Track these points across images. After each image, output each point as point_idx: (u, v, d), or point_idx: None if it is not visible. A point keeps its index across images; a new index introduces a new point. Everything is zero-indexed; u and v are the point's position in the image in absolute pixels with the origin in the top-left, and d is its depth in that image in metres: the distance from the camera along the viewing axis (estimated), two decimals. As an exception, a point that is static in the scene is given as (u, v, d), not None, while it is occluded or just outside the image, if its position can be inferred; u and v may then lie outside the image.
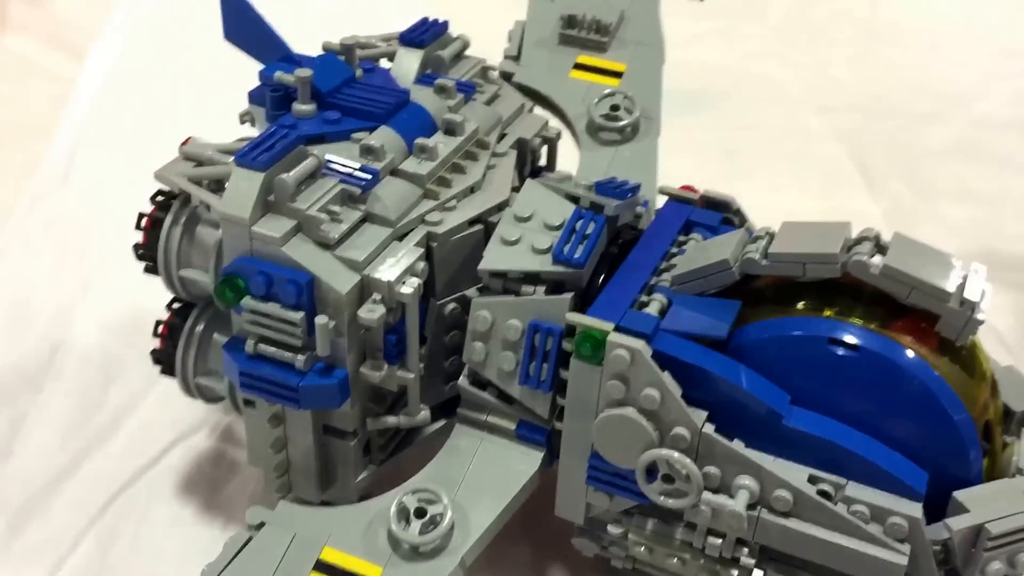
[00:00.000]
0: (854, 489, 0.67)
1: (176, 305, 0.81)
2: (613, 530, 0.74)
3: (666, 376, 0.67)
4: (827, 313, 0.70)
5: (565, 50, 0.94)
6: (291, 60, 0.79)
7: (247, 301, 0.69)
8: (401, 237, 0.73)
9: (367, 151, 0.74)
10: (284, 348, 0.70)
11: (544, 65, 0.93)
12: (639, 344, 0.67)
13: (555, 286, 0.73)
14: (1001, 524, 0.65)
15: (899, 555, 0.65)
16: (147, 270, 0.78)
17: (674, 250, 0.77)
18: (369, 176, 0.72)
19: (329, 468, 0.77)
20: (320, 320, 0.68)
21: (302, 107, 0.76)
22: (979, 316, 0.67)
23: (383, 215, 0.72)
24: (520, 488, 0.73)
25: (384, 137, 0.75)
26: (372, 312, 0.69)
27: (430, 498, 0.71)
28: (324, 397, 0.71)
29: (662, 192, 0.82)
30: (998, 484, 0.68)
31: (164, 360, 0.81)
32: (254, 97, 0.80)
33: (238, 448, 0.94)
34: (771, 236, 0.72)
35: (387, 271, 0.70)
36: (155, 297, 1.05)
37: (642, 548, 0.73)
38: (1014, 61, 1.66)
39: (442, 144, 0.76)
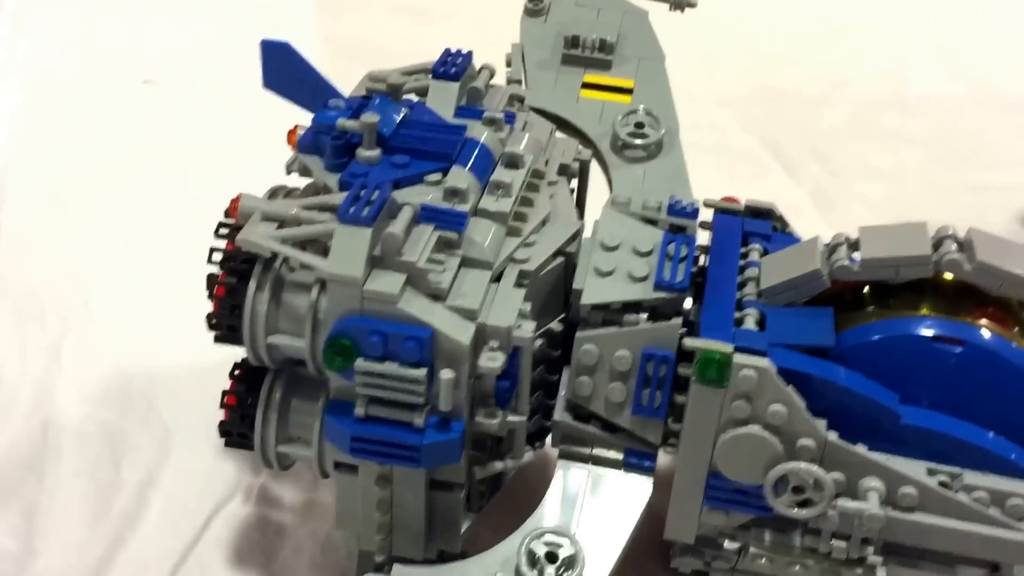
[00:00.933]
0: (971, 476, 0.70)
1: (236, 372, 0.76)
2: (730, 546, 0.75)
3: (791, 390, 0.68)
4: (923, 311, 0.72)
5: (570, 70, 0.94)
6: (341, 104, 0.76)
7: (360, 363, 0.66)
8: (496, 278, 0.71)
9: (452, 194, 0.71)
10: (399, 407, 0.67)
11: (552, 87, 0.92)
12: (764, 363, 0.68)
13: (656, 312, 0.73)
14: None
15: (1022, 534, 0.69)
16: (220, 340, 0.73)
17: (742, 263, 0.78)
18: (463, 219, 0.70)
19: (432, 523, 0.74)
20: (446, 375, 0.66)
21: (368, 153, 0.73)
22: None
23: (481, 258, 0.70)
24: (639, 517, 0.73)
25: (462, 178, 0.73)
26: (494, 360, 0.67)
27: (556, 541, 0.70)
28: (445, 453, 0.68)
29: (707, 205, 0.83)
30: None
31: (233, 432, 0.76)
32: (305, 146, 0.76)
33: (280, 511, 0.91)
34: (851, 242, 0.74)
35: (502, 316, 0.68)
36: (133, 359, 1.01)
37: (763, 559, 0.74)
38: (880, 39, 1.76)
39: (510, 179, 0.75)
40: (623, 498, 0.74)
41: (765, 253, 0.79)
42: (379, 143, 0.73)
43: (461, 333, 0.66)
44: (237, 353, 1.00)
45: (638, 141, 0.88)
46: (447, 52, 0.85)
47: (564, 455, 0.75)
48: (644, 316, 0.72)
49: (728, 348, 0.68)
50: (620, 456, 0.75)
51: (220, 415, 0.76)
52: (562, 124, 0.90)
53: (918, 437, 0.71)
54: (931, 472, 0.70)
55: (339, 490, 0.74)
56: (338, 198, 0.70)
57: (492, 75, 0.86)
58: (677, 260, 0.73)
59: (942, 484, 0.70)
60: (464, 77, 0.83)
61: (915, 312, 0.72)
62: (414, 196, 0.71)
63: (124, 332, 1.06)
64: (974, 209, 1.43)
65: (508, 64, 0.95)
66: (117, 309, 1.08)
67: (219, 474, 0.92)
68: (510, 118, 0.81)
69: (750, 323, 0.72)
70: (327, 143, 0.74)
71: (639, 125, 0.88)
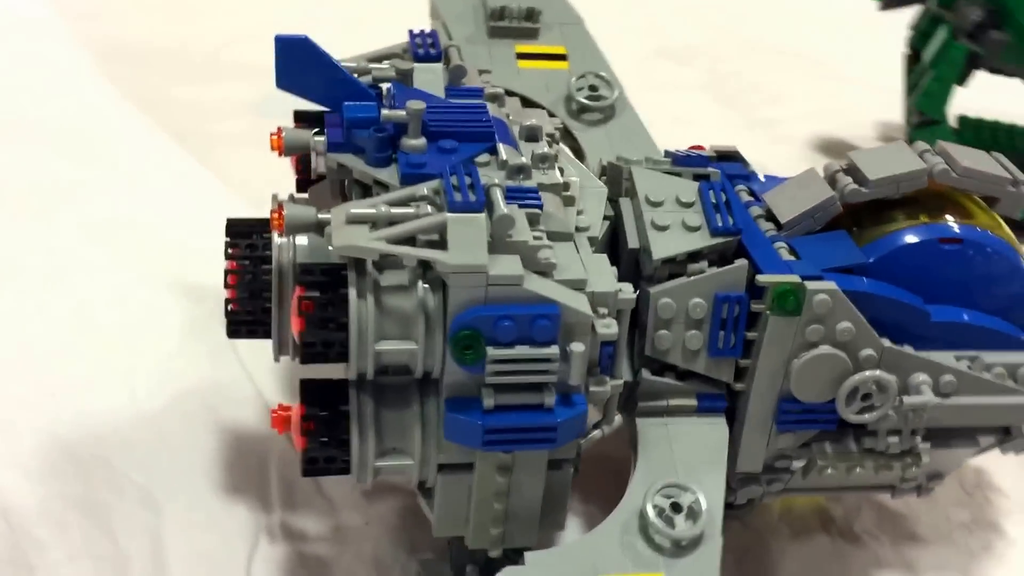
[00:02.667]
0: (987, 356, 0.79)
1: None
2: (797, 463, 0.80)
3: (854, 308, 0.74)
4: (923, 219, 0.80)
5: (500, 42, 0.94)
6: (364, 96, 0.72)
7: (492, 352, 0.64)
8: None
9: (518, 171, 0.70)
10: (527, 391, 0.66)
11: (488, 62, 0.92)
12: (832, 285, 0.73)
13: (715, 257, 0.76)
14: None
15: None
16: (309, 360, 0.68)
17: (748, 200, 0.82)
18: (538, 195, 0.69)
19: (545, 504, 0.73)
20: (578, 348, 0.65)
21: (414, 142, 0.70)
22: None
23: (562, 230, 0.70)
24: (724, 452, 0.76)
25: (514, 155, 0.72)
26: (608, 327, 0.68)
27: (673, 492, 0.71)
28: (575, 428, 0.68)
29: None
30: None
31: (320, 458, 0.71)
32: (337, 145, 0.71)
33: (312, 543, 0.86)
34: (847, 169, 0.80)
35: (603, 283, 0.68)
36: (62, 422, 0.92)
37: (828, 470, 0.79)
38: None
39: (543, 151, 0.75)
40: (708, 440, 0.77)
41: (751, 192, 0.84)
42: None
43: (583, 305, 0.66)
44: (176, 393, 0.94)
45: (596, 104, 0.90)
46: (413, 33, 0.83)
47: (641, 413, 0.77)
48: (705, 263, 0.75)
49: (796, 279, 0.73)
50: (694, 403, 0.77)
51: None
52: (510, 96, 0.90)
53: (942, 331, 0.79)
54: (958, 359, 0.79)
55: (442, 494, 0.72)
56: (411, 191, 0.67)
57: (459, 54, 0.85)
58: (723, 206, 0.77)
59: (973, 366, 0.79)
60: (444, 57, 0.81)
61: (916, 222, 0.80)
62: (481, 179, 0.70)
63: (39, 392, 0.94)
64: (769, 141, 1.57)
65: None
66: (22, 367, 0.97)
67: (231, 520, 0.85)
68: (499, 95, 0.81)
69: (785, 255, 0.77)
70: (368, 137, 0.70)
71: (593, 88, 0.90)
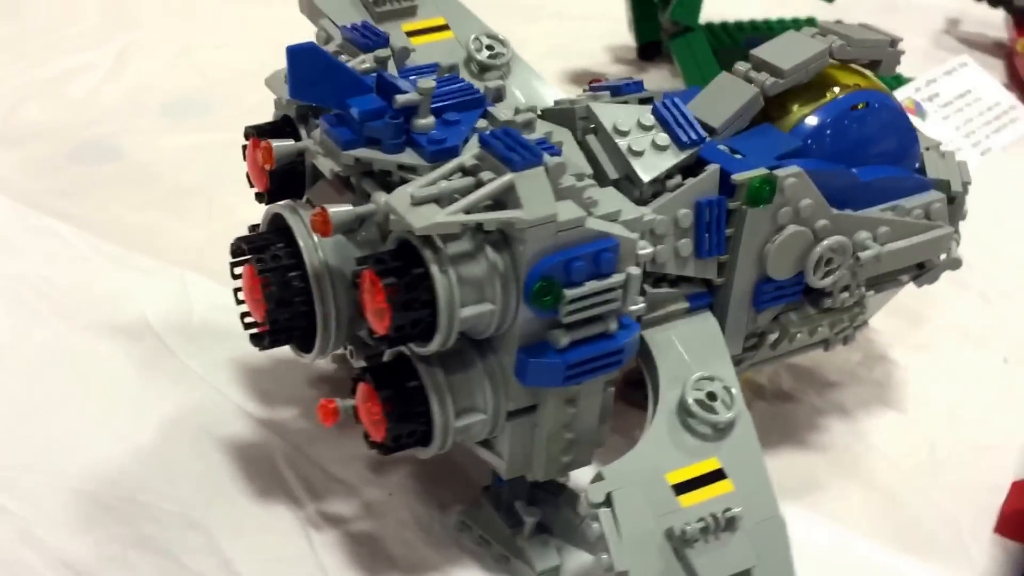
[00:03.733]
0: (904, 202, 0.92)
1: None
2: (770, 335, 0.90)
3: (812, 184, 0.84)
4: (828, 96, 0.91)
5: (388, 25, 0.95)
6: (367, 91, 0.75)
7: (570, 292, 0.70)
8: None
9: (527, 126, 0.76)
10: (592, 323, 0.72)
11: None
12: (797, 170, 0.83)
13: (687, 169, 0.84)
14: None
15: (947, 227, 0.93)
16: (398, 343, 0.70)
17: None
18: (552, 144, 0.75)
19: (598, 422, 0.80)
20: (634, 271, 0.72)
21: (424, 121, 0.74)
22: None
23: (580, 171, 0.76)
24: (723, 339, 0.85)
25: (513, 112, 0.77)
26: (645, 248, 0.75)
27: (704, 384, 0.80)
28: (633, 347, 0.76)
29: (592, 89, 0.94)
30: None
31: (403, 434, 0.74)
32: (350, 142, 0.73)
33: (355, 522, 0.90)
34: (757, 64, 0.90)
35: (628, 210, 0.75)
36: (90, 477, 0.94)
37: (797, 333, 0.90)
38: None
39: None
40: (705, 334, 0.85)
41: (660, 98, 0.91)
42: (427, 108, 0.74)
43: (628, 232, 0.73)
44: (162, 424, 0.95)
45: (496, 61, 0.95)
46: (348, 28, 0.86)
47: (647, 324, 0.84)
48: (680, 176, 0.83)
49: (766, 171, 0.82)
50: (686, 305, 0.86)
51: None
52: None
53: (868, 190, 0.90)
54: (884, 210, 0.91)
55: (511, 439, 0.77)
56: (457, 163, 0.71)
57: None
58: (681, 120, 0.84)
59: (896, 215, 0.91)
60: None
61: (824, 100, 0.91)
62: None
63: (34, 455, 0.94)
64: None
65: (323, 42, 0.95)
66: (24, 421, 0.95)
67: (277, 521, 0.88)
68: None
69: (730, 154, 0.86)
70: (384, 126, 0.73)
71: (490, 48, 0.95)
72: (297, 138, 0.85)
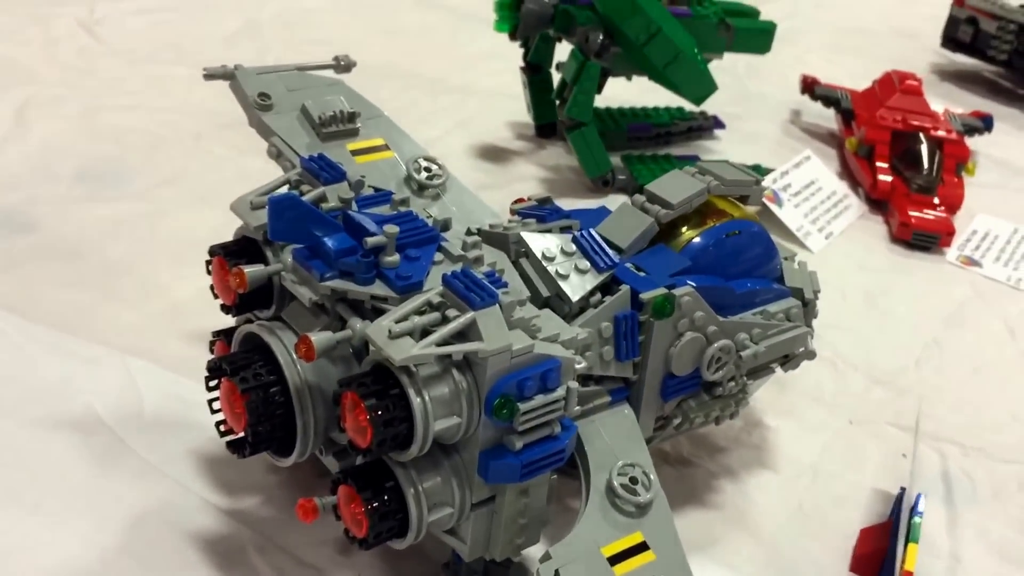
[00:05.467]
0: (770, 307, 1.09)
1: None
2: (675, 420, 1.05)
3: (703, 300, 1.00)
4: (709, 223, 1.08)
5: (333, 144, 1.08)
6: (338, 230, 0.86)
7: (523, 406, 0.83)
8: None
9: (476, 260, 0.89)
10: (540, 428, 0.86)
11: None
12: (688, 288, 0.99)
13: (604, 287, 0.98)
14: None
15: (805, 328, 1.11)
16: (380, 453, 0.82)
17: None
18: (500, 278, 0.88)
19: (545, 506, 0.94)
20: (573, 384, 0.86)
21: (391, 258, 0.86)
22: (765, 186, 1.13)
23: (520, 298, 0.89)
24: (639, 430, 1.00)
25: (461, 247, 0.90)
26: (580, 362, 0.89)
27: (627, 470, 0.94)
28: (573, 444, 0.89)
29: (513, 211, 1.08)
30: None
31: (383, 531, 0.85)
32: (329, 276, 0.85)
33: None
34: (652, 197, 1.05)
35: (565, 332, 0.89)
36: None
37: (695, 417, 1.06)
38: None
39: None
40: (624, 424, 1.00)
41: (578, 227, 1.07)
42: (390, 247, 0.87)
43: (567, 352, 0.86)
44: (133, 523, 1.02)
45: (433, 182, 1.08)
46: (307, 160, 0.97)
47: (576, 416, 0.98)
48: (599, 295, 0.98)
49: (664, 290, 0.98)
50: (608, 399, 1.00)
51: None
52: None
53: (741, 298, 1.07)
54: (756, 314, 1.08)
55: (474, 526, 0.90)
56: (424, 299, 0.84)
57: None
58: (595, 248, 0.99)
59: (764, 319, 1.08)
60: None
61: (704, 227, 1.07)
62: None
63: (12, 552, 0.98)
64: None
65: (275, 156, 1.06)
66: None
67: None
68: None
69: (635, 271, 1.01)
70: (357, 263, 0.85)
71: (428, 169, 1.08)
72: (263, 260, 0.95)
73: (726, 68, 1.88)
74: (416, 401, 0.81)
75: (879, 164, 1.83)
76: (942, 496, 1.22)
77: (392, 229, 0.86)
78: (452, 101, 1.97)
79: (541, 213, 1.05)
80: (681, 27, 1.59)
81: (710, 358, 1.02)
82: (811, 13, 2.76)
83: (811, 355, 1.13)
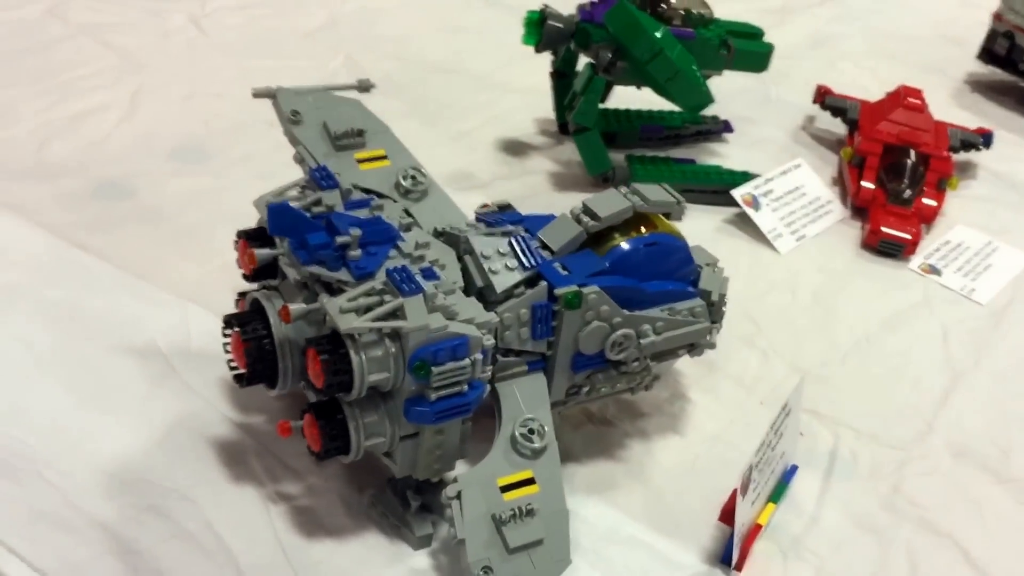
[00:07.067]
0: (677, 305, 1.37)
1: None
2: (584, 388, 1.35)
3: (607, 296, 1.29)
4: (633, 234, 1.36)
5: (344, 154, 1.39)
6: (324, 228, 1.18)
7: (436, 369, 1.13)
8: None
9: (420, 258, 1.20)
10: (453, 386, 1.16)
11: (342, 169, 1.37)
12: (595, 287, 1.27)
13: (528, 282, 1.28)
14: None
15: (705, 321, 1.38)
16: (328, 393, 1.14)
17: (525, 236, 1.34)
18: (434, 271, 1.19)
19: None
20: (478, 356, 1.16)
21: (355, 252, 1.17)
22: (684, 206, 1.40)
23: (449, 288, 1.19)
24: (547, 393, 1.30)
25: (411, 246, 1.21)
26: (489, 340, 1.19)
27: (527, 422, 1.24)
28: (478, 401, 1.19)
29: (477, 214, 1.38)
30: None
31: (331, 448, 1.18)
32: (307, 261, 1.16)
33: (300, 498, 1.31)
34: (586, 211, 1.34)
35: (481, 316, 1.19)
36: (114, 463, 1.33)
37: (602, 388, 1.35)
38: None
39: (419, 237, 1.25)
40: (536, 388, 1.29)
41: (527, 231, 1.36)
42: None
43: (476, 332, 1.16)
44: (169, 424, 1.36)
45: (416, 188, 1.38)
46: (313, 169, 1.29)
47: (499, 379, 1.28)
48: (524, 287, 1.27)
49: (575, 288, 1.27)
50: (526, 367, 1.30)
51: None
52: (364, 191, 1.37)
53: (652, 297, 1.35)
54: (663, 310, 1.36)
55: (402, 453, 1.21)
56: (370, 286, 1.15)
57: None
58: (526, 250, 1.29)
59: (670, 314, 1.36)
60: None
61: (629, 236, 1.36)
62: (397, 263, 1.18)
63: (85, 437, 1.34)
64: (467, 150, 2.10)
65: (299, 162, 1.38)
66: (62, 417, 1.36)
67: (244, 497, 1.29)
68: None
69: (560, 270, 1.30)
70: (328, 255, 1.16)
71: (414, 178, 1.39)
72: (272, 245, 1.27)
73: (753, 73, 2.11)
74: (355, 359, 1.13)
75: (866, 174, 2.04)
76: (824, 470, 1.46)
77: (356, 232, 1.17)
78: (491, 97, 2.26)
79: (493, 219, 1.35)
80: (682, 47, 1.85)
81: (612, 342, 1.31)
82: (860, 16, 2.91)
83: (711, 346, 1.41)
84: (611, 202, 1.35)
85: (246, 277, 1.32)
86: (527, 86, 2.20)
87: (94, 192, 1.84)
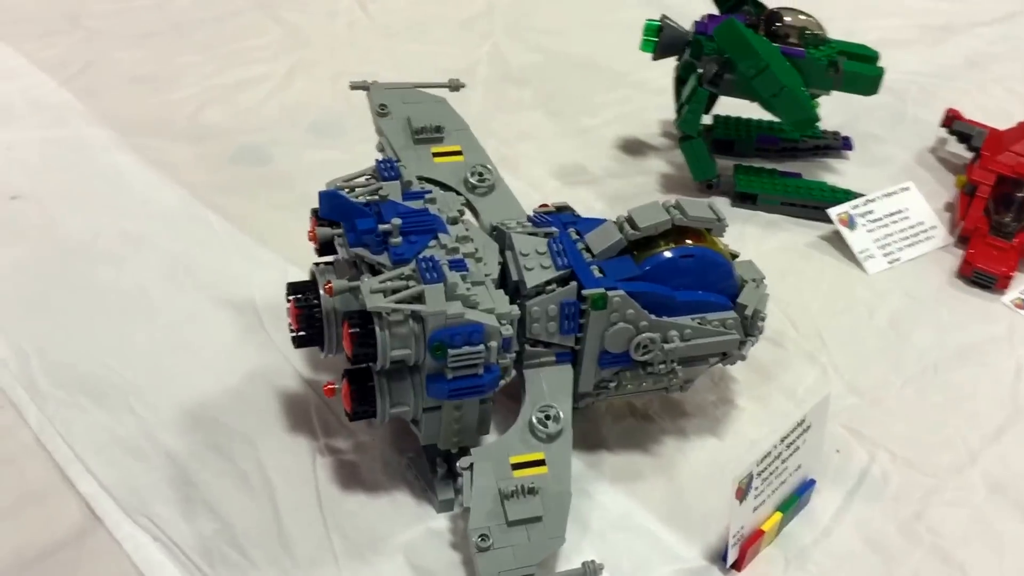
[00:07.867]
0: (709, 316, 1.45)
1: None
2: (612, 383, 1.45)
3: (633, 300, 1.38)
4: (672, 244, 1.45)
5: (422, 147, 1.53)
6: (373, 215, 1.33)
7: (451, 352, 1.26)
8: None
9: (454, 250, 1.33)
10: (470, 367, 1.29)
11: (418, 161, 1.51)
12: (620, 292, 1.37)
13: (561, 280, 1.39)
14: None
15: (736, 334, 1.46)
16: (358, 362, 1.29)
17: (575, 238, 1.45)
18: (464, 264, 1.32)
19: (479, 423, 1.38)
20: (493, 344, 1.28)
21: (396, 240, 1.31)
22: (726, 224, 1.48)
23: (478, 280, 1.32)
24: (572, 384, 1.41)
25: (448, 240, 1.34)
26: (508, 330, 1.31)
27: (545, 408, 1.36)
28: (493, 385, 1.32)
29: (533, 214, 1.50)
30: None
31: (360, 411, 1.33)
32: (354, 243, 1.31)
33: (346, 454, 1.46)
34: (628, 220, 1.44)
35: (503, 307, 1.31)
36: (192, 402, 1.50)
37: (628, 385, 1.45)
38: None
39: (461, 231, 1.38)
40: (561, 378, 1.40)
41: (578, 232, 1.47)
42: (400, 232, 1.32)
43: (494, 321, 1.28)
44: (244, 374, 1.52)
45: (482, 184, 1.51)
46: (378, 161, 1.43)
47: (526, 367, 1.41)
48: (556, 285, 1.39)
49: (602, 290, 1.37)
50: (554, 358, 1.41)
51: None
52: (434, 182, 1.51)
53: (683, 306, 1.44)
54: (693, 319, 1.45)
55: (426, 423, 1.35)
56: (401, 271, 1.28)
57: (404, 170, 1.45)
58: (560, 252, 1.40)
59: (700, 323, 1.45)
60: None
61: (668, 247, 1.44)
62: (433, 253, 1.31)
63: (150, 384, 1.54)
64: (586, 144, 2.20)
65: (380, 151, 1.53)
66: (159, 356, 1.57)
67: (297, 446, 1.46)
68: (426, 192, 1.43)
69: (596, 273, 1.41)
70: (372, 240, 1.31)
71: (480, 174, 1.52)
72: (336, 226, 1.43)
73: (895, 90, 2.11)
74: (380, 334, 1.27)
75: (975, 203, 2.03)
76: (849, 488, 1.49)
77: (397, 221, 1.31)
78: (623, 95, 2.35)
79: (541, 220, 1.46)
80: (788, 65, 1.90)
81: (637, 344, 1.40)
82: (1027, 38, 2.84)
83: (741, 357, 1.49)
84: (652, 214, 1.44)
85: (317, 251, 1.48)
86: (662, 87, 2.25)
87: (232, 156, 2.05)
